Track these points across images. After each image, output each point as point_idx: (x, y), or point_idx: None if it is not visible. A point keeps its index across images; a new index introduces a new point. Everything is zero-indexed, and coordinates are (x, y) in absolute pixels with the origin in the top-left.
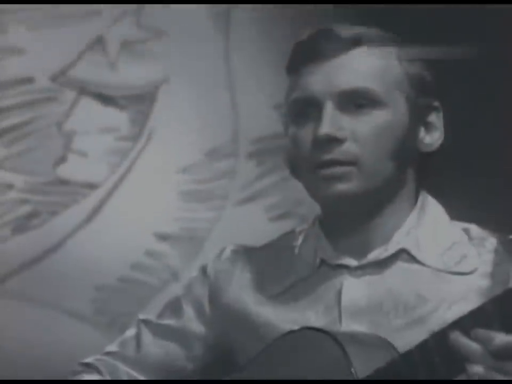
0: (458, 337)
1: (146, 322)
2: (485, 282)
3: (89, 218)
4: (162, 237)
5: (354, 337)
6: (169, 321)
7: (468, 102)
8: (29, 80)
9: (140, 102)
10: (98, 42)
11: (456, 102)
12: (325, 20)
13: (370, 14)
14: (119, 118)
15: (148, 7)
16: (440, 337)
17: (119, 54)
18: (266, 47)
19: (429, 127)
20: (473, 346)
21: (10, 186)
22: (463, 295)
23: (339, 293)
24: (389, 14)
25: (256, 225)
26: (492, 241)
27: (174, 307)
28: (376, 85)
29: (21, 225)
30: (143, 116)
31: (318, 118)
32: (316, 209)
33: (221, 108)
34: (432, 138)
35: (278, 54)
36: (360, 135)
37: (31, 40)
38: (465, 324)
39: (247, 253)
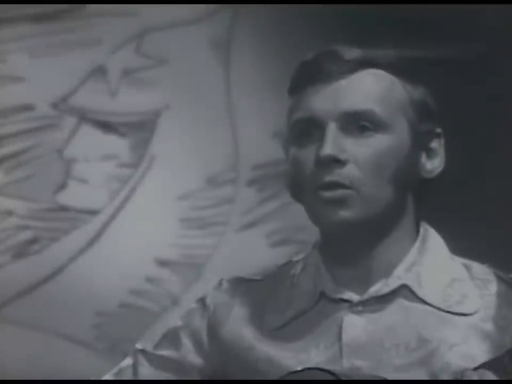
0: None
1: (143, 352)
2: (486, 326)
3: (90, 244)
4: (163, 263)
5: (356, 377)
6: (167, 352)
7: (469, 129)
8: (30, 107)
9: (140, 129)
10: (99, 70)
11: (457, 129)
12: (329, 43)
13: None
14: (119, 145)
15: (149, 35)
16: None
17: (120, 82)
18: (267, 74)
19: (430, 153)
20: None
21: (10, 213)
22: (464, 337)
23: (340, 329)
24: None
25: (257, 251)
26: (495, 283)
27: (172, 338)
28: (380, 108)
29: (21, 251)
30: (143, 143)
31: (320, 139)
32: (317, 235)
33: (221, 135)
34: (433, 165)
35: (278, 81)
36: (361, 158)
37: (32, 68)
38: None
39: (245, 285)
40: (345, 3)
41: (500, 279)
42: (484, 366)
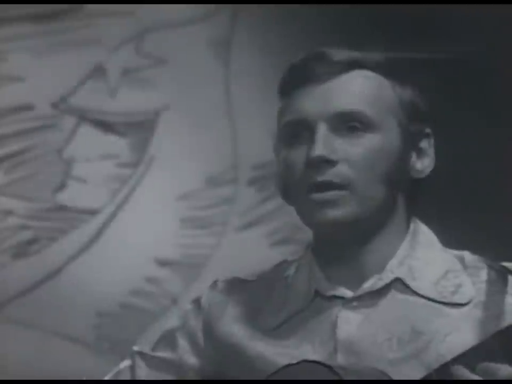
0: (463, 372)
1: (140, 354)
2: (478, 313)
3: (89, 244)
4: (163, 263)
5: (352, 370)
6: (164, 353)
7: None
8: (29, 107)
9: (139, 129)
10: (99, 70)
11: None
12: (327, 43)
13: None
14: (119, 145)
15: (149, 35)
16: (443, 372)
17: (119, 82)
18: (266, 74)
19: (420, 153)
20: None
21: (10, 213)
22: (456, 326)
23: (334, 326)
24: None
25: (257, 251)
26: (485, 271)
27: (169, 340)
28: (369, 108)
29: (21, 251)
30: (143, 142)
31: (310, 140)
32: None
33: (221, 134)
34: (423, 164)
35: (278, 81)
36: (352, 157)
37: (32, 68)
38: (468, 358)
39: (240, 286)
40: (344, 3)
41: (490, 267)
42: (473, 350)
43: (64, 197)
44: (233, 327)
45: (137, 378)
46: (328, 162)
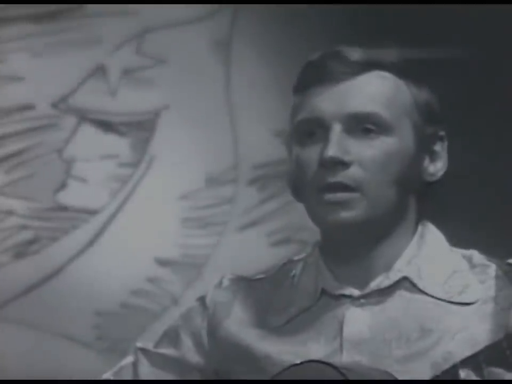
0: (470, 376)
1: (143, 350)
2: (487, 309)
3: (90, 244)
4: (163, 263)
5: (356, 369)
6: (167, 350)
7: (470, 130)
8: (30, 107)
9: (140, 129)
10: (99, 70)
11: (459, 130)
12: (329, 45)
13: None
14: (119, 144)
15: (149, 35)
16: (452, 374)
17: (120, 81)
18: (267, 74)
19: (433, 156)
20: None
21: (10, 212)
22: (465, 323)
23: (341, 324)
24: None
25: (257, 251)
26: (493, 267)
27: (173, 337)
28: (385, 110)
29: (21, 251)
30: (143, 142)
31: (324, 140)
32: (317, 235)
33: (221, 134)
34: (435, 167)
35: (278, 81)
36: (365, 160)
37: (32, 68)
38: (477, 360)
39: (246, 284)
40: (345, 3)
41: (496, 262)
42: (483, 351)
43: (64, 197)
44: (239, 327)
45: (140, 375)
46: (341, 164)
